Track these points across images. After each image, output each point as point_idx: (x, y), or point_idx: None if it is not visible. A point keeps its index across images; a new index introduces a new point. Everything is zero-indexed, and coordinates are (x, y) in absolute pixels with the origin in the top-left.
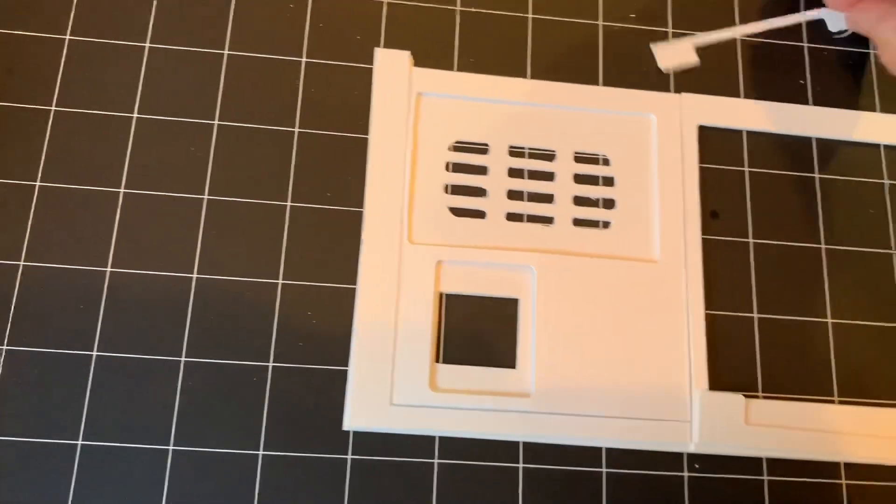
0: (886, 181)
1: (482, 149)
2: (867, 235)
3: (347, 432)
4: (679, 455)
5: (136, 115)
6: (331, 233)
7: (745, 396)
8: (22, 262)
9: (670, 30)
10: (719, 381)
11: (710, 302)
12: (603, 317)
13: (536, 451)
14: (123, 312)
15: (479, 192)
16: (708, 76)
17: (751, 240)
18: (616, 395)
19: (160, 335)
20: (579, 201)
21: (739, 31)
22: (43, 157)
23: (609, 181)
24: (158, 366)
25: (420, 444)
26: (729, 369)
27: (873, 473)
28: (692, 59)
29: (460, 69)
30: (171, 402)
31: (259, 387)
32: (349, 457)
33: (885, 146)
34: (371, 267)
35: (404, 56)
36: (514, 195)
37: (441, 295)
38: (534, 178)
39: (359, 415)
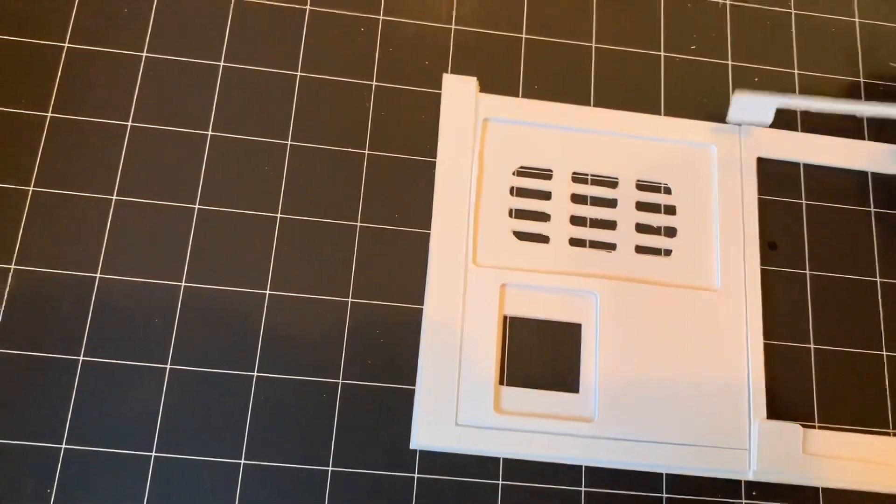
0: None
1: (546, 174)
2: None
3: (414, 451)
4: (737, 482)
5: (210, 132)
6: (398, 253)
7: (802, 426)
8: (98, 275)
9: (730, 62)
10: (777, 410)
11: (767, 332)
12: (664, 344)
13: (599, 475)
14: (196, 327)
15: (543, 216)
16: None
17: (808, 271)
18: (676, 422)
19: (232, 350)
20: (641, 228)
21: (832, 107)
22: (119, 171)
23: (671, 209)
24: (230, 380)
25: (485, 464)
26: (786, 399)
27: None
28: (766, 119)
29: (525, 96)
30: (244, 417)
31: (329, 403)
32: (416, 475)
33: None
34: (437, 288)
35: (471, 82)
36: (577, 221)
37: (505, 317)
38: (596, 204)
39: (425, 434)
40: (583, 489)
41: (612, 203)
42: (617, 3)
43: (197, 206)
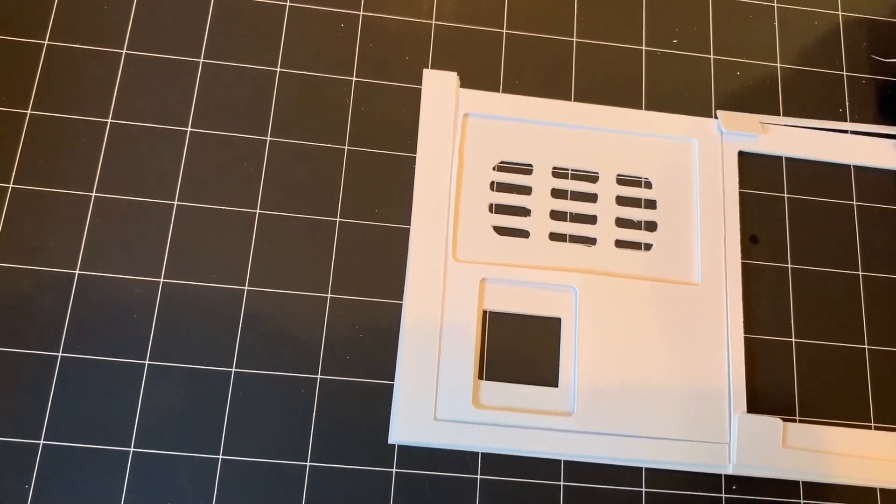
0: None
1: (526, 169)
2: None
3: (392, 446)
4: (717, 476)
5: (189, 129)
6: (378, 249)
7: (783, 420)
8: (78, 271)
9: (712, 56)
10: (757, 404)
11: (749, 326)
12: (644, 338)
13: (577, 469)
14: (174, 323)
15: (523, 211)
16: (749, 102)
17: (790, 265)
18: (656, 416)
19: (211, 346)
20: (621, 223)
21: (813, 135)
22: (99, 168)
23: (651, 204)
24: (209, 376)
25: (463, 459)
26: (767, 393)
27: None
28: (757, 129)
29: (506, 91)
30: (222, 412)
31: (307, 399)
32: (394, 470)
33: None
34: (417, 283)
35: (451, 77)
36: (557, 215)
37: (485, 312)
38: (577, 199)
39: (404, 429)
40: (561, 483)
41: (592, 198)
42: None
43: (176, 203)
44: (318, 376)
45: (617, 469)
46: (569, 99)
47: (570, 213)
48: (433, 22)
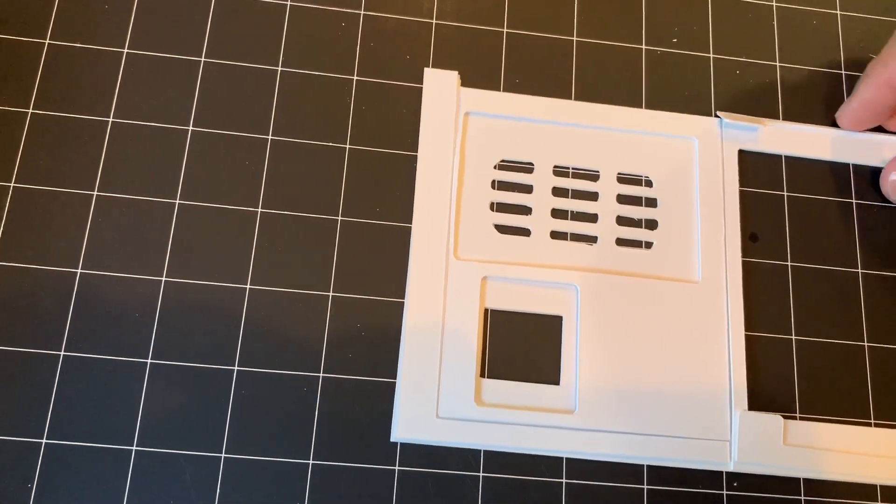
0: None
1: (527, 168)
2: None
3: (395, 444)
4: (718, 473)
5: (191, 127)
6: (380, 247)
7: (783, 417)
8: (80, 270)
9: (711, 55)
10: (758, 401)
11: (749, 323)
12: (645, 336)
13: (580, 466)
14: (177, 322)
15: (524, 210)
16: (749, 100)
17: (789, 263)
18: (657, 414)
19: (213, 345)
20: (622, 221)
21: (812, 133)
22: (101, 168)
23: (652, 202)
24: (212, 374)
25: (465, 457)
26: (767, 390)
27: None
28: (757, 122)
29: (506, 89)
30: (224, 410)
31: (309, 397)
32: (396, 468)
33: None
34: (418, 281)
35: (452, 76)
36: (558, 214)
37: (486, 310)
38: (578, 197)
39: (406, 427)
40: (563, 481)
41: (593, 196)
42: None
43: (178, 202)
44: (321, 374)
45: (618, 466)
46: (569, 97)
47: (572, 212)
48: (434, 21)
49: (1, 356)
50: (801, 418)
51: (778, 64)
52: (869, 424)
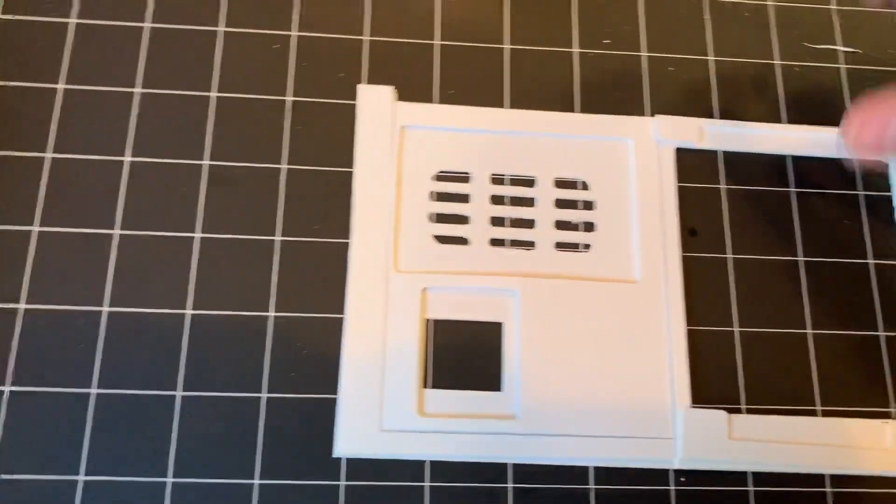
0: (861, 192)
1: (464, 177)
2: (844, 246)
3: (339, 459)
4: (665, 471)
5: (128, 158)
6: (319, 264)
7: (729, 411)
8: (23, 305)
9: (644, 53)
10: (702, 395)
11: (691, 318)
12: (586, 338)
13: (525, 471)
14: (119, 351)
15: (463, 219)
16: (684, 96)
17: (729, 255)
18: (601, 415)
19: (156, 371)
20: (560, 225)
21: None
22: (41, 202)
23: (589, 205)
24: (156, 401)
25: (411, 468)
26: (711, 384)
27: (856, 482)
28: (693, 136)
29: (442, 101)
30: (169, 436)
31: (253, 418)
32: (342, 483)
33: (859, 160)
34: (358, 296)
35: (387, 91)
36: (496, 221)
37: (427, 321)
38: (515, 204)
39: (349, 442)
40: (510, 485)
41: (530, 202)
42: (529, 2)
43: (117, 232)
44: (264, 395)
45: (564, 469)
46: (503, 105)
47: (510, 219)
48: (366, 38)
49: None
50: (748, 411)
51: (711, 58)
52: (815, 413)
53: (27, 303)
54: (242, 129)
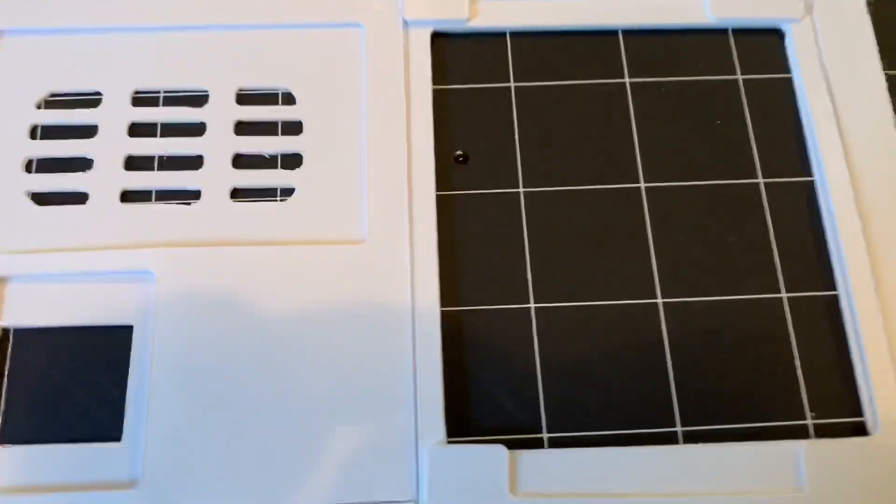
0: (740, 76)
1: (92, 100)
2: (731, 167)
3: None
4: None
5: None
6: None
7: (511, 445)
8: None
9: None
10: (467, 421)
11: (448, 296)
12: (272, 342)
13: None
14: None
15: (82, 164)
16: None
17: (521, 190)
18: (289, 462)
19: None
20: (243, 163)
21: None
22: None
23: (293, 128)
24: None
25: None
26: (482, 400)
27: None
28: (462, 12)
29: None
30: None
31: None
32: None
33: (734, 30)
34: None
35: None
36: (136, 163)
37: (5, 331)
38: (170, 133)
39: None
40: None
41: (196, 130)
42: None
43: None
44: None
45: None
46: None
47: (160, 158)
48: None
49: None
50: (551, 442)
51: None
52: (675, 438)
53: None
54: None
